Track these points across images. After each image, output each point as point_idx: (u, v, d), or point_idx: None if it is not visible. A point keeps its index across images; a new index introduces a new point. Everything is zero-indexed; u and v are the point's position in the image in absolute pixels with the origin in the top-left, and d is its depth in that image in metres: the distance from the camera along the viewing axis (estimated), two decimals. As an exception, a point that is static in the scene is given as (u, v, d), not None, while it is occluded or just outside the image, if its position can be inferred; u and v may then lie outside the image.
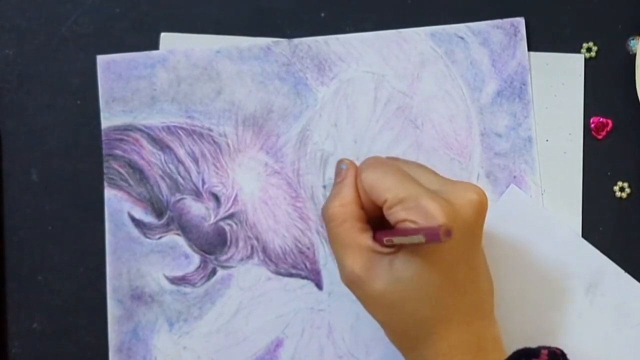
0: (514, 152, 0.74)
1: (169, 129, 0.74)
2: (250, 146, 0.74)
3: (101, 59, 0.74)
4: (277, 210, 0.74)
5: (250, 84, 0.74)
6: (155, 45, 0.74)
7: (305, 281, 0.73)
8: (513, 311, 0.72)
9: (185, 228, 0.73)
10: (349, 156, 0.72)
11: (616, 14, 0.74)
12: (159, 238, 0.73)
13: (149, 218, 0.73)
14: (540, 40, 0.74)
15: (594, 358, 0.72)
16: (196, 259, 0.73)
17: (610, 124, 0.74)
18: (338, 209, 0.66)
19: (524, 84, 0.74)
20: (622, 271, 0.73)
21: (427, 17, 0.74)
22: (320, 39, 0.74)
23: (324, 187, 0.73)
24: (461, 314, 0.64)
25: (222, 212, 0.73)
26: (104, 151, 0.73)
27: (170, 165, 0.73)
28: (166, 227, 0.73)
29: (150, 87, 0.73)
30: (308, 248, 0.73)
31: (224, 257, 0.73)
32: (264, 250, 0.73)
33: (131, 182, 0.73)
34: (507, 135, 0.74)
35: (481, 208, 0.64)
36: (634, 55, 0.74)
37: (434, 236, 0.58)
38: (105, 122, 0.74)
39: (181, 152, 0.73)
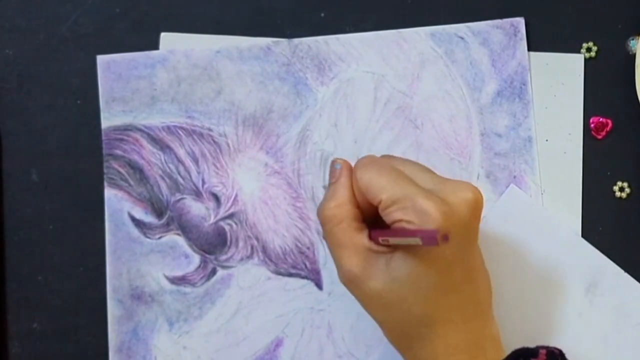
0: (514, 152, 0.74)
1: (169, 129, 0.74)
2: (250, 146, 0.74)
3: (101, 59, 0.74)
4: (277, 210, 0.74)
5: (250, 84, 0.74)
6: (155, 45, 0.74)
7: (305, 281, 0.73)
8: (512, 311, 0.73)
9: (185, 228, 0.73)
10: (349, 156, 0.72)
11: (616, 14, 0.74)
12: (159, 238, 0.73)
13: (149, 218, 0.73)
14: (540, 40, 0.74)
15: (593, 358, 0.72)
16: (196, 258, 0.73)
17: (610, 124, 0.74)
18: (334, 209, 0.66)
19: (523, 84, 0.74)
20: (622, 271, 0.73)
21: (427, 17, 0.74)
22: (320, 39, 0.74)
23: (324, 187, 0.73)
24: (458, 312, 0.64)
25: (222, 212, 0.73)
26: (104, 151, 0.73)
27: (170, 165, 0.73)
28: (166, 227, 0.73)
29: (150, 87, 0.73)
30: (308, 248, 0.74)
31: (224, 257, 0.73)
32: (264, 250, 0.73)
33: (131, 182, 0.73)
34: (507, 135, 0.74)
35: (477, 207, 0.64)
36: (634, 55, 0.74)
37: (431, 240, 0.58)
38: (105, 122, 0.74)
39: (181, 152, 0.73)
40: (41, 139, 0.74)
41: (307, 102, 0.74)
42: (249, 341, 0.73)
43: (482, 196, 0.65)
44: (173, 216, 0.73)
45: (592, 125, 0.74)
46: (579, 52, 0.74)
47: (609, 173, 0.74)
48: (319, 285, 0.73)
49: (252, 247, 0.73)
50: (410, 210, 0.62)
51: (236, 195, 0.73)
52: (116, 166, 0.73)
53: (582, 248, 0.73)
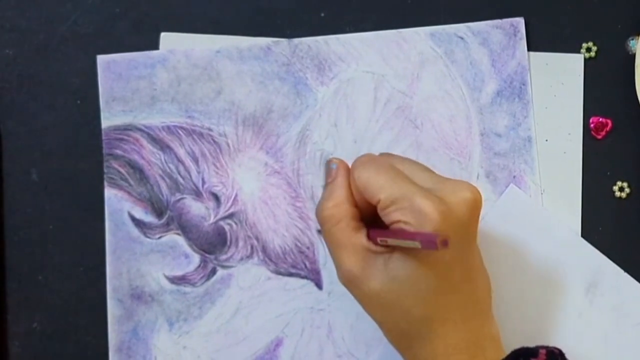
0: (514, 152, 0.74)
1: (169, 129, 0.74)
2: (250, 146, 0.74)
3: (101, 59, 0.74)
4: (277, 210, 0.74)
5: (250, 84, 0.74)
6: (155, 45, 0.74)
7: (305, 281, 0.73)
8: (512, 311, 0.73)
9: (185, 228, 0.73)
10: (349, 156, 0.72)
11: (616, 14, 0.75)
12: (159, 238, 0.73)
13: (149, 218, 0.73)
14: (539, 40, 0.74)
15: (593, 358, 0.72)
16: (196, 258, 0.73)
17: (610, 124, 0.74)
18: (332, 209, 0.66)
19: (523, 84, 0.74)
20: (622, 271, 0.73)
21: (427, 17, 0.74)
22: (320, 39, 0.74)
23: (324, 187, 0.73)
24: (458, 312, 0.64)
25: (222, 212, 0.73)
26: (104, 151, 0.73)
27: (170, 165, 0.73)
28: (166, 227, 0.73)
29: (150, 87, 0.74)
30: (308, 248, 0.74)
31: (223, 257, 0.73)
32: (264, 249, 0.73)
33: (131, 182, 0.73)
34: (507, 135, 0.74)
35: (475, 206, 0.64)
36: (634, 55, 0.74)
37: (430, 244, 0.58)
38: (106, 122, 0.74)
39: (181, 152, 0.73)
40: (41, 139, 0.74)
41: (307, 102, 0.74)
42: (249, 341, 0.73)
43: (481, 196, 0.64)
44: (173, 216, 0.73)
45: (591, 125, 0.74)
46: (578, 52, 0.74)
47: (608, 173, 0.74)
48: (318, 285, 0.74)
49: (252, 247, 0.73)
50: (409, 210, 0.62)
51: (236, 195, 0.73)
52: (116, 166, 0.73)
53: (582, 248, 0.73)
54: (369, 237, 0.65)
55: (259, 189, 0.74)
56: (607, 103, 0.74)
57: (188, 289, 0.73)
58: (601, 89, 0.74)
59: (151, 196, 0.73)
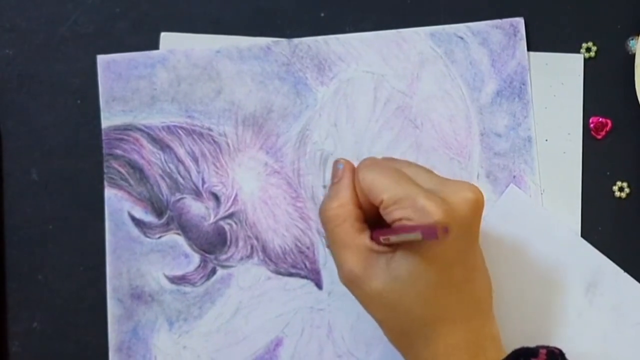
0: (514, 152, 0.74)
1: (169, 129, 0.74)
2: (250, 146, 0.74)
3: (101, 59, 0.74)
4: (276, 209, 0.74)
5: (250, 84, 0.74)
6: (155, 45, 0.74)
7: (305, 281, 0.73)
8: (512, 311, 0.73)
9: (185, 227, 0.73)
10: (349, 156, 0.72)
11: (615, 14, 0.75)
12: (159, 237, 0.73)
13: (149, 217, 0.73)
14: (539, 40, 0.74)
15: (593, 357, 0.72)
16: (196, 258, 0.73)
17: (610, 124, 0.74)
18: (336, 209, 0.66)
19: (523, 84, 0.74)
20: (621, 271, 0.73)
21: (426, 17, 0.74)
22: (320, 38, 0.74)
23: (324, 187, 0.74)
24: (459, 312, 0.64)
25: (222, 212, 0.73)
26: (104, 151, 0.73)
27: (170, 165, 0.73)
28: (166, 227, 0.73)
29: (150, 86, 0.74)
30: (308, 248, 0.74)
31: (223, 257, 0.73)
32: (264, 249, 0.73)
33: (131, 182, 0.73)
34: (507, 135, 0.74)
35: (477, 206, 0.64)
36: (633, 55, 0.74)
37: (431, 234, 0.58)
38: (106, 122, 0.74)
39: (181, 152, 0.74)
40: (41, 139, 0.74)
41: (307, 102, 0.74)
42: (249, 341, 0.73)
43: (483, 196, 0.65)
44: (173, 216, 0.73)
45: (591, 125, 0.74)
46: (578, 52, 0.74)
47: (608, 173, 0.74)
48: (318, 285, 0.74)
49: (252, 247, 0.73)
50: (412, 209, 0.62)
51: (236, 195, 0.74)
52: (116, 166, 0.73)
53: (582, 248, 0.73)
54: (372, 238, 0.65)
55: (259, 188, 0.74)
56: (607, 103, 0.74)
57: (188, 288, 0.73)
58: (601, 89, 0.74)
59: (151, 196, 0.73)
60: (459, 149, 0.74)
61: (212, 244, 0.73)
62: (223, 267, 0.73)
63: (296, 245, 0.74)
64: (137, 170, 0.73)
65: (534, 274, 0.73)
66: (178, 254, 0.73)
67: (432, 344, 0.64)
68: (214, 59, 0.74)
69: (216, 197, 0.73)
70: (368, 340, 0.73)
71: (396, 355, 0.67)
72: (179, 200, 0.73)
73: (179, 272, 0.73)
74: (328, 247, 0.73)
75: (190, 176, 0.74)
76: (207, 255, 0.73)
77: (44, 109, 0.74)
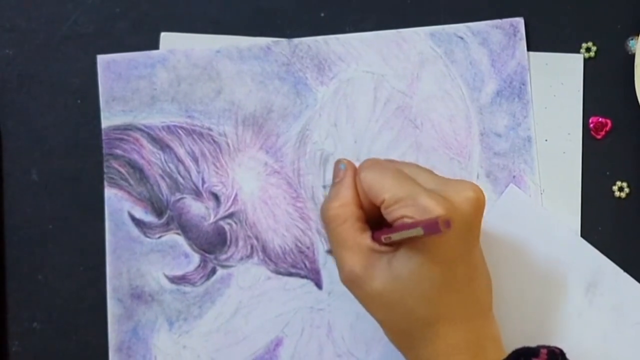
0: (514, 151, 0.74)
1: (169, 129, 0.74)
2: (250, 146, 0.74)
3: (101, 59, 0.74)
4: (276, 209, 0.74)
5: (250, 84, 0.74)
6: (155, 45, 0.74)
7: (304, 280, 0.74)
8: (512, 310, 0.73)
9: (185, 227, 0.73)
10: (349, 156, 0.72)
11: (615, 14, 0.75)
12: (159, 237, 0.73)
13: (149, 217, 0.73)
14: (539, 40, 0.74)
15: (592, 357, 0.72)
16: (196, 258, 0.73)
17: (609, 124, 0.74)
18: (338, 209, 0.66)
19: (523, 84, 0.74)
20: (621, 271, 0.73)
21: (426, 17, 0.74)
22: (320, 38, 0.74)
23: (324, 187, 0.74)
24: (460, 312, 0.64)
25: (222, 212, 0.73)
26: (104, 150, 0.73)
27: (170, 165, 0.73)
28: (166, 227, 0.73)
29: (150, 86, 0.74)
30: (308, 247, 0.74)
31: (223, 257, 0.73)
32: (264, 249, 0.73)
33: (131, 182, 0.73)
34: (507, 135, 0.74)
35: (479, 205, 0.64)
36: (633, 55, 0.74)
37: (433, 228, 0.58)
38: (106, 122, 0.74)
39: (181, 152, 0.74)
40: (41, 139, 0.74)
41: (307, 102, 0.74)
42: (249, 340, 0.73)
43: (484, 195, 0.65)
44: (173, 215, 0.73)
45: (591, 125, 0.74)
46: (578, 52, 0.74)
47: (608, 173, 0.74)
48: (318, 285, 0.74)
49: (251, 247, 0.73)
50: (413, 207, 0.62)
51: (236, 195, 0.74)
52: (116, 166, 0.73)
53: (582, 248, 0.73)
54: (373, 239, 0.65)
55: (258, 188, 0.74)
56: (607, 103, 0.74)
57: (188, 288, 0.73)
58: (601, 89, 0.74)
59: (151, 196, 0.73)
60: (458, 149, 0.74)
61: (212, 244, 0.73)
62: (223, 267, 0.73)
63: (296, 245, 0.74)
64: (137, 170, 0.73)
65: (534, 274, 0.73)
66: (178, 253, 0.73)
67: (433, 344, 0.64)
68: (214, 59, 0.74)
69: (216, 197, 0.73)
70: (368, 340, 0.73)
71: (396, 355, 0.67)
72: (179, 200, 0.73)
73: (179, 272, 0.73)
74: (329, 252, 0.73)
75: (190, 176, 0.74)
76: (207, 255, 0.73)
77: (44, 109, 0.74)
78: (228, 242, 0.73)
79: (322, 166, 0.74)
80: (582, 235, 0.74)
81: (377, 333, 0.67)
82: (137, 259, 0.73)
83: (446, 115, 0.74)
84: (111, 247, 0.73)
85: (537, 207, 0.74)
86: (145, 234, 0.73)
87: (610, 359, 0.73)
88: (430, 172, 0.68)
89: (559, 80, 0.74)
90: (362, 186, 0.67)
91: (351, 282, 0.65)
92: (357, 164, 0.69)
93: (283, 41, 0.74)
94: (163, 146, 0.73)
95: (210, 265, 0.73)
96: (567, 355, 0.65)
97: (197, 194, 0.73)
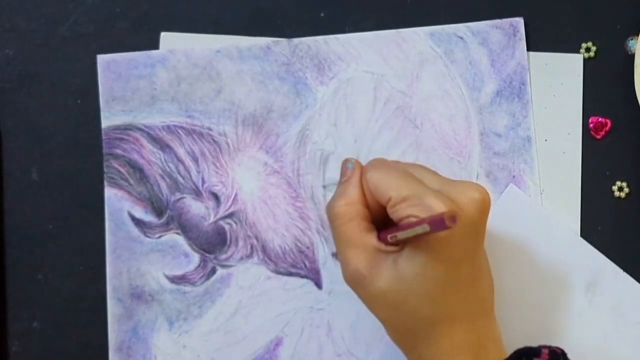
0: (513, 151, 0.74)
1: (168, 129, 0.74)
2: (250, 145, 0.74)
3: (101, 59, 0.74)
4: (276, 209, 0.74)
5: (250, 84, 0.74)
6: (155, 45, 0.74)
7: (304, 280, 0.74)
8: (512, 310, 0.73)
9: (185, 227, 0.73)
10: (349, 155, 0.72)
11: (615, 14, 0.75)
12: (159, 237, 0.73)
13: (149, 217, 0.73)
14: (539, 40, 0.74)
15: (592, 357, 0.73)
16: (196, 258, 0.73)
17: (609, 124, 0.74)
18: (344, 207, 0.66)
19: (523, 84, 0.74)
20: (621, 271, 0.73)
21: (426, 17, 0.74)
22: (320, 38, 0.74)
23: (324, 186, 0.74)
24: (463, 312, 0.64)
25: (222, 211, 0.73)
26: (104, 150, 0.74)
27: (170, 165, 0.74)
28: (166, 226, 0.73)
29: (150, 86, 0.74)
30: (308, 247, 0.74)
31: (223, 256, 0.73)
32: (264, 249, 0.73)
33: (131, 181, 0.73)
34: (506, 135, 0.74)
35: (484, 206, 0.64)
36: (633, 55, 0.74)
37: (439, 224, 0.58)
38: (106, 122, 0.74)
39: (181, 152, 0.74)
40: (41, 138, 0.74)
41: (307, 102, 0.74)
42: (249, 340, 0.73)
43: (489, 196, 0.65)
44: (173, 215, 0.73)
45: (591, 125, 0.74)
46: (578, 52, 0.75)
47: (607, 173, 0.74)
48: (318, 285, 0.74)
49: (251, 247, 0.73)
50: (419, 207, 0.62)
51: (236, 195, 0.74)
52: (116, 165, 0.73)
53: (581, 248, 0.73)
54: (379, 238, 0.65)
55: (258, 188, 0.74)
56: (607, 103, 0.74)
57: (188, 288, 0.73)
58: (600, 89, 0.74)
59: (151, 196, 0.73)
60: (458, 148, 0.74)
61: (212, 244, 0.73)
62: (223, 266, 0.73)
63: (296, 244, 0.74)
64: (137, 170, 0.73)
65: (534, 273, 0.73)
66: (178, 253, 0.73)
67: (436, 344, 0.64)
68: (214, 58, 0.74)
69: (216, 197, 0.73)
70: (368, 340, 0.73)
71: (396, 355, 0.67)
72: (178, 200, 0.73)
73: (178, 272, 0.73)
74: (334, 255, 0.73)
75: (190, 176, 0.74)
76: (207, 254, 0.73)
77: (44, 109, 0.74)
78: (228, 242, 0.73)
79: (322, 166, 0.74)
80: (581, 235, 0.74)
81: (377, 333, 0.67)
82: (137, 259, 0.73)
83: (446, 115, 0.74)
84: (111, 246, 0.73)
85: (537, 207, 0.74)
86: (145, 233, 0.73)
87: (610, 358, 0.73)
88: (436, 173, 0.68)
89: (558, 80, 0.74)
90: (368, 186, 0.67)
91: (355, 281, 0.65)
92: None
93: (283, 41, 0.74)
94: (163, 146, 0.74)
95: (210, 265, 0.73)
96: (568, 355, 0.65)
97: (197, 193, 0.73)
